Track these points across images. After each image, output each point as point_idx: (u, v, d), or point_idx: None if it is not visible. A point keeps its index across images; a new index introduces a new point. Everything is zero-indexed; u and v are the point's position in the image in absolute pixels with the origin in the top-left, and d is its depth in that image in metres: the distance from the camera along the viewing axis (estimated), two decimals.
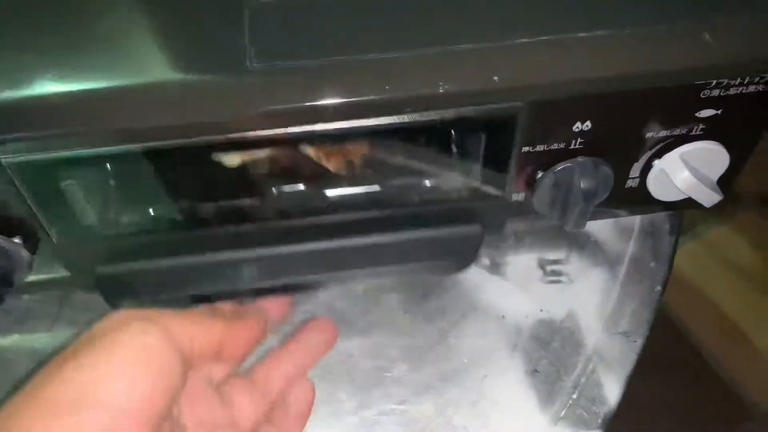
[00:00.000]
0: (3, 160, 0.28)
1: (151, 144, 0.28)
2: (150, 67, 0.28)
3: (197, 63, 0.28)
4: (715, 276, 0.88)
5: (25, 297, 0.39)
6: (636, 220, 0.42)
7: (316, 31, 0.28)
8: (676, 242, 0.41)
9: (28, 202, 0.30)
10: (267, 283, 0.34)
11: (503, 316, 0.39)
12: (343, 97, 0.28)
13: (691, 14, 0.29)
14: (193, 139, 0.28)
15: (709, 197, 0.35)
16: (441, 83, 0.27)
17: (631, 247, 0.41)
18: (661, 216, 0.42)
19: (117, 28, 0.28)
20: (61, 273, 0.35)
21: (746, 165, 0.36)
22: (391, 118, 0.29)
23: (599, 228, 0.42)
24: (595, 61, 0.28)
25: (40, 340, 0.39)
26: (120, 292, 0.34)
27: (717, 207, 0.36)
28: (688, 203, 0.36)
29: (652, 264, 0.41)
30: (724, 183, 0.36)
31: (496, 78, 0.27)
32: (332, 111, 0.28)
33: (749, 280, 0.87)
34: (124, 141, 0.28)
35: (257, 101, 0.27)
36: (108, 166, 0.30)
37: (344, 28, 0.29)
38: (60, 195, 0.30)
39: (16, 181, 0.29)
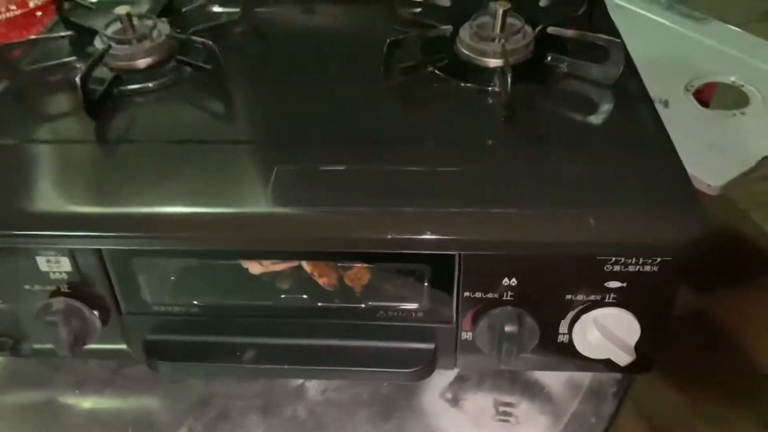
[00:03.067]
0: (102, 249, 0.42)
1: (197, 249, 0.41)
2: (206, 201, 0.41)
3: (236, 200, 0.41)
4: None
5: (90, 362, 0.51)
6: (586, 380, 0.49)
7: (318, 189, 0.41)
8: (620, 403, 0.47)
9: (112, 280, 0.43)
10: (263, 366, 0.44)
11: None
12: (329, 235, 0.40)
13: (582, 203, 0.39)
14: (226, 249, 0.41)
15: (620, 357, 0.42)
16: (391, 232, 0.39)
17: (576, 403, 0.47)
18: (609, 382, 0.49)
19: (193, 176, 0.43)
20: (119, 345, 0.47)
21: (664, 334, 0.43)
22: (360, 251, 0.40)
23: (553, 382, 0.49)
24: (505, 228, 0.39)
25: (92, 400, 0.50)
26: (159, 357, 0.45)
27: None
28: (612, 363, 0.43)
29: (593, 420, 0.46)
30: (643, 348, 0.43)
31: (429, 232, 0.38)
32: (318, 243, 0.40)
33: None
34: (185, 246, 0.41)
35: (269, 229, 0.40)
36: (169, 262, 0.43)
37: (339, 190, 0.41)
38: (133, 278, 0.43)
39: (107, 264, 0.42)
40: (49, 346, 0.45)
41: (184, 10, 0.57)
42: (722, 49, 0.77)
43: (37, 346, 0.47)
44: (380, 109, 0.49)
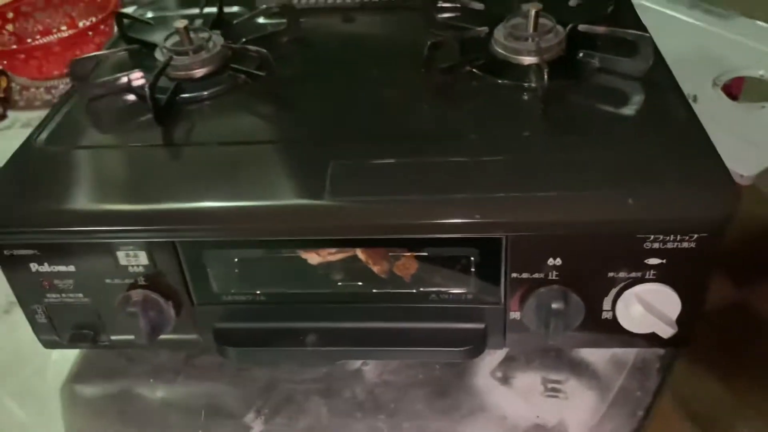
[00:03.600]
0: (176, 241, 0.46)
1: (262, 239, 0.45)
2: (271, 194, 0.45)
3: (298, 193, 0.45)
4: None
5: (161, 353, 0.55)
6: (630, 357, 0.51)
7: (370, 181, 0.45)
8: (663, 379, 0.49)
9: (185, 272, 0.47)
10: (324, 348, 0.48)
11: (505, 417, 0.48)
12: (385, 221, 0.43)
13: (620, 185, 0.42)
14: (286, 238, 0.45)
15: (663, 330, 0.44)
16: (442, 217, 0.42)
17: (622, 378, 0.50)
18: (652, 358, 0.51)
19: (255, 173, 0.47)
20: (190, 335, 0.51)
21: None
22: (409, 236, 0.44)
23: (597, 360, 0.51)
24: (548, 210, 0.42)
25: (165, 389, 0.53)
26: (228, 343, 0.49)
27: None
28: (654, 337, 0.46)
29: (638, 394, 0.49)
30: (684, 322, 0.45)
31: (477, 216, 0.42)
32: (374, 229, 0.43)
33: None
34: (252, 236, 0.45)
35: (329, 219, 0.44)
36: (235, 254, 0.47)
37: (393, 181, 0.45)
38: (204, 269, 0.47)
39: (180, 257, 0.46)
40: (128, 336, 0.50)
41: (235, 22, 0.62)
42: (749, 44, 0.79)
43: (115, 337, 0.51)
44: (423, 107, 0.52)
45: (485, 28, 0.56)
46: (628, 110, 0.50)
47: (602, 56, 0.53)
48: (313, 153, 0.48)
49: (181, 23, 0.55)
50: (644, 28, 0.57)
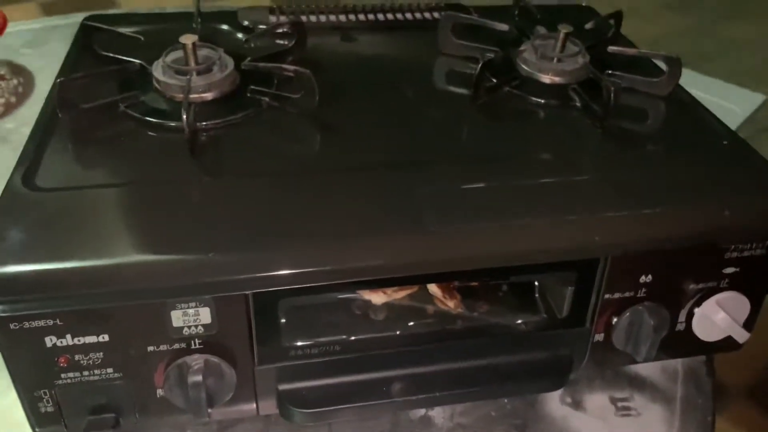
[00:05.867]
0: (250, 293, 0.38)
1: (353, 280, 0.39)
2: (363, 227, 0.39)
3: (389, 224, 0.40)
4: None
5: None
6: (678, 366, 0.53)
7: (475, 207, 0.41)
8: (713, 383, 0.52)
9: (252, 327, 0.39)
10: (413, 397, 0.43)
11: None
12: (490, 249, 0.40)
13: (701, 198, 0.43)
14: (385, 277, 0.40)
15: (741, 335, 0.46)
16: (547, 241, 0.40)
17: (680, 388, 0.51)
18: (697, 364, 0.53)
19: (332, 204, 0.41)
20: (248, 405, 0.43)
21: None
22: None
23: (651, 373, 0.52)
24: (647, 228, 0.42)
25: None
26: (294, 405, 0.42)
27: None
28: (724, 344, 0.48)
29: (700, 401, 0.50)
30: (747, 324, 0.47)
31: (580, 238, 0.40)
32: (491, 257, 0.40)
33: None
34: (342, 279, 0.39)
35: (435, 252, 0.39)
36: (312, 299, 0.41)
37: (495, 205, 0.41)
38: (276, 321, 0.40)
39: (250, 310, 0.39)
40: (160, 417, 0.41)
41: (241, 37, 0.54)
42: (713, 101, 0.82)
43: (144, 418, 0.41)
44: (479, 129, 0.50)
45: (515, 48, 0.55)
46: (674, 127, 0.52)
47: (628, 77, 0.54)
48: (393, 179, 0.43)
49: (188, 39, 0.47)
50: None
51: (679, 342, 0.48)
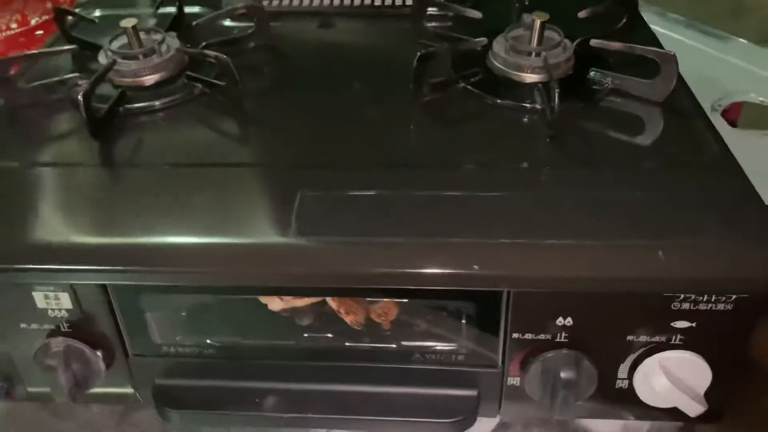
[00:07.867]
0: (107, 284, 0.37)
1: (214, 285, 0.37)
2: (223, 230, 0.37)
3: (257, 230, 0.37)
4: None
5: (92, 407, 0.46)
6: (644, 428, 0.44)
7: (346, 217, 0.37)
8: None
9: (118, 318, 0.39)
10: (286, 415, 0.40)
11: None
12: (361, 269, 0.36)
13: (646, 233, 0.35)
14: (246, 285, 0.37)
15: (690, 407, 0.37)
16: (432, 267, 0.34)
17: None
18: (672, 428, 0.44)
19: (208, 203, 0.39)
20: (126, 390, 0.43)
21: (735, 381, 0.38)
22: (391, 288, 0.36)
23: (607, 430, 0.44)
24: (562, 263, 0.34)
25: None
26: (170, 405, 0.40)
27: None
28: (678, 413, 0.39)
29: None
30: (715, 396, 0.38)
31: (476, 266, 0.34)
32: (348, 278, 0.36)
33: None
34: (200, 281, 0.37)
35: (293, 263, 0.36)
36: (181, 299, 0.39)
37: (373, 218, 0.37)
38: (141, 316, 0.39)
39: (113, 301, 0.38)
40: (46, 389, 0.41)
41: (194, 23, 0.53)
42: (748, 68, 0.73)
43: (32, 389, 0.43)
44: (410, 129, 0.45)
45: (484, 39, 0.49)
46: (649, 139, 0.44)
47: (617, 76, 0.46)
48: (280, 180, 0.40)
49: (128, 22, 0.47)
50: (661, 45, 0.50)
51: (622, 401, 0.40)
